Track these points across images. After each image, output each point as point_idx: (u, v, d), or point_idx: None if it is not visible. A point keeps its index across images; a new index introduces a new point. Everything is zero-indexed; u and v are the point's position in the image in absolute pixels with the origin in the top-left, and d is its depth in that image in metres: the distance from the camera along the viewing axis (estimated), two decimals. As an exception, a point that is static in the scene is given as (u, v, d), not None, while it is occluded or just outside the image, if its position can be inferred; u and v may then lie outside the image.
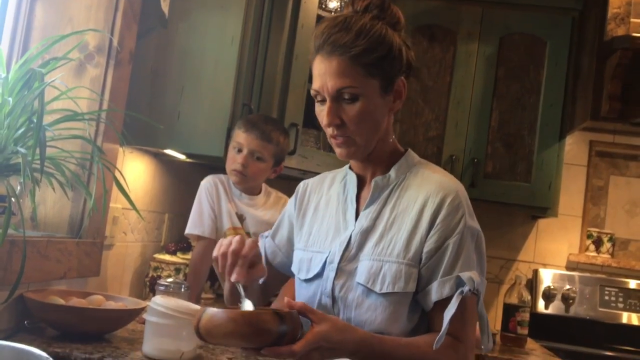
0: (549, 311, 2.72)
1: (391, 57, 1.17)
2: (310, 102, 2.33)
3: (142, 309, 1.57)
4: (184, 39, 1.99)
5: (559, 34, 2.59)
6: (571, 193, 2.86)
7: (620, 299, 2.70)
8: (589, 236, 2.83)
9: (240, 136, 1.89)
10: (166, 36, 1.99)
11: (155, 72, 1.98)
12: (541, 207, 2.59)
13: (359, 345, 1.07)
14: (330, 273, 1.22)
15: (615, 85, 2.31)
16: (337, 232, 1.26)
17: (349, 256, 1.21)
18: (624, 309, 2.69)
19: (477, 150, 2.59)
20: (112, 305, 1.58)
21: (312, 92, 1.20)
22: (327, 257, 1.24)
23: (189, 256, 2.34)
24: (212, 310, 1.00)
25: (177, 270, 2.21)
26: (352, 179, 1.28)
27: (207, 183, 2.00)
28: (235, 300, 1.20)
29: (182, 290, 1.67)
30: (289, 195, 2.09)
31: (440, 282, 1.14)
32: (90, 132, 1.68)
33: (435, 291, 1.14)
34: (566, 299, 2.71)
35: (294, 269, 1.33)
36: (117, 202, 1.97)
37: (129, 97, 1.89)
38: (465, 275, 1.13)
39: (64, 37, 1.49)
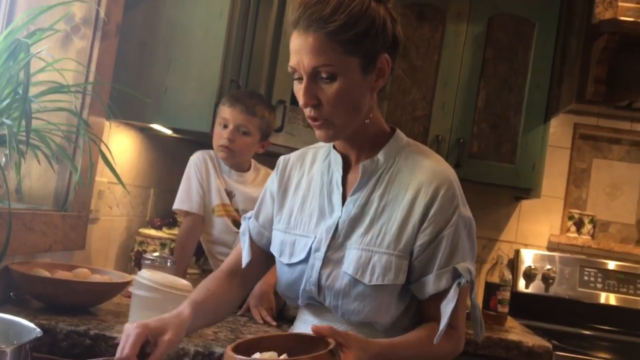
0: (529, 290, 2.77)
1: (373, 33, 1.10)
2: (298, 79, 2.33)
3: (128, 283, 1.58)
4: (171, 12, 1.96)
5: (547, 15, 2.60)
6: (554, 175, 2.90)
7: (599, 280, 2.76)
8: (571, 218, 2.87)
9: (225, 111, 1.89)
10: (154, 9, 1.97)
11: (142, 46, 1.96)
12: (524, 188, 2.62)
13: (378, 357, 1.06)
14: (316, 262, 1.19)
15: (601, 68, 2.33)
16: (321, 216, 1.22)
17: (336, 244, 1.18)
18: (603, 290, 2.74)
19: (463, 131, 2.61)
20: (97, 278, 1.59)
21: (289, 69, 1.14)
22: (312, 243, 1.20)
23: (174, 231, 2.34)
24: None
25: (163, 245, 2.21)
26: (337, 159, 1.23)
27: (196, 159, 2.00)
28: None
29: (168, 264, 1.68)
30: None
31: (437, 274, 1.13)
32: (76, 104, 1.66)
33: (433, 284, 1.13)
34: (546, 279, 2.75)
35: (274, 250, 1.29)
36: (102, 176, 1.96)
37: (116, 70, 1.87)
38: (461, 267, 1.13)
39: (50, 7, 1.47)
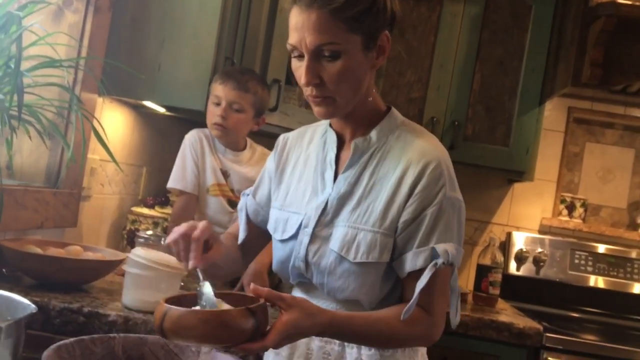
0: (520, 273, 2.78)
1: (375, 10, 1.09)
2: (293, 58, 2.31)
3: (121, 261, 1.57)
4: (166, -12, 1.93)
5: (544, -2, 2.59)
6: (547, 158, 2.90)
7: (590, 263, 2.78)
8: (563, 201, 2.88)
9: (217, 89, 1.87)
10: (147, -16, 1.93)
11: (135, 21, 1.93)
12: (518, 171, 2.63)
13: (327, 327, 1.05)
14: (304, 238, 1.19)
15: (597, 51, 2.32)
16: (314, 193, 1.22)
17: (325, 221, 1.18)
18: (593, 273, 2.76)
19: (458, 113, 2.60)
20: (90, 256, 1.58)
21: (289, 47, 1.11)
22: (302, 220, 1.20)
23: (167, 210, 2.33)
24: (177, 311, 0.92)
25: (155, 224, 2.20)
26: (332, 138, 1.23)
27: (191, 137, 1.97)
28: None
29: (162, 242, 1.67)
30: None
31: (415, 252, 1.12)
32: (69, 80, 1.64)
33: (410, 262, 1.12)
34: (537, 262, 2.77)
35: (270, 227, 1.29)
36: (94, 153, 1.94)
37: (108, 46, 1.84)
38: (440, 248, 1.11)
39: (42, -21, 1.44)
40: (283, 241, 1.24)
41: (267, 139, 2.55)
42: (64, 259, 1.48)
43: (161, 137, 2.50)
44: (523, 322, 2.20)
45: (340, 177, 1.19)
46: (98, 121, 1.72)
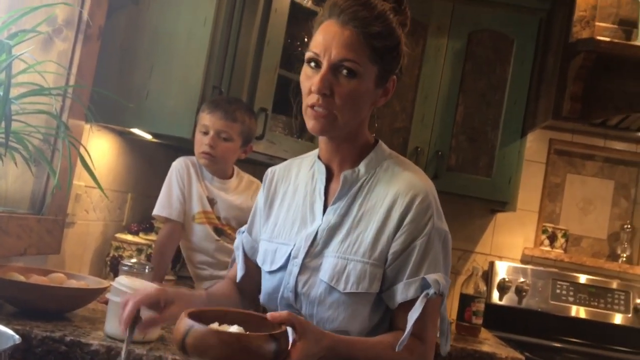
0: (503, 302, 2.80)
1: (396, 52, 1.17)
2: (280, 88, 2.34)
3: (105, 289, 1.56)
4: (155, 17, 1.96)
5: (526, 32, 2.65)
6: (529, 189, 2.94)
7: (571, 293, 2.80)
8: (544, 231, 2.92)
9: (205, 118, 1.88)
10: (137, 13, 1.96)
11: (124, 50, 1.95)
12: (500, 202, 2.66)
13: (329, 350, 1.06)
14: (294, 268, 1.20)
15: (577, 86, 2.38)
16: (303, 224, 1.23)
17: (314, 252, 1.19)
18: (574, 303, 2.79)
19: (441, 143, 2.64)
20: (74, 284, 1.56)
21: (309, 55, 1.15)
22: (291, 250, 1.21)
23: (151, 237, 2.32)
24: (202, 329, 0.93)
25: (139, 251, 2.19)
26: (321, 169, 1.25)
27: (178, 165, 1.98)
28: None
29: (146, 271, 1.66)
30: (259, 179, 2.10)
31: (406, 283, 1.14)
32: (57, 107, 1.64)
33: (401, 292, 1.14)
34: (520, 291, 2.79)
35: (259, 260, 1.30)
36: (80, 180, 1.94)
37: (97, 73, 1.85)
38: (430, 278, 1.13)
39: (33, 9, 1.45)
40: (272, 272, 1.24)
41: (254, 167, 2.57)
42: (46, 287, 1.47)
43: (147, 164, 2.50)
44: (505, 352, 2.21)
45: (329, 208, 1.21)
46: (85, 148, 1.72)
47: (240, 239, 1.38)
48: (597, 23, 2.46)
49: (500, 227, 2.96)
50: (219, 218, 1.96)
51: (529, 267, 2.85)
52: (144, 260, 1.83)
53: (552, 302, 2.79)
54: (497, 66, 2.66)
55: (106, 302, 1.46)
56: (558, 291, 2.80)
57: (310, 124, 1.16)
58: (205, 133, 1.89)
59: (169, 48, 1.95)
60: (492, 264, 2.87)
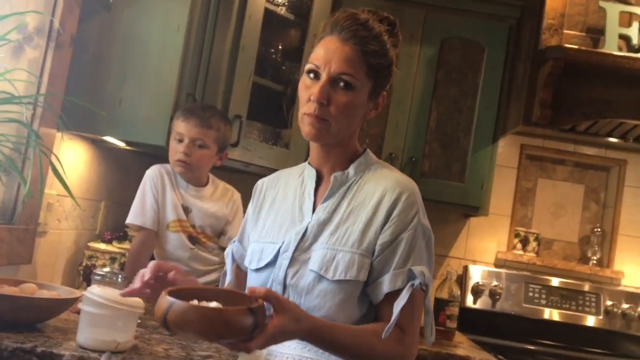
0: (477, 306, 2.83)
1: (388, 71, 1.27)
2: (255, 95, 2.34)
3: (77, 299, 1.55)
4: (128, 25, 1.95)
5: (496, 40, 2.69)
6: (501, 194, 2.99)
7: (543, 296, 2.85)
8: (517, 235, 2.96)
9: (180, 126, 1.88)
10: (110, 21, 1.95)
11: (97, 57, 1.94)
12: (473, 206, 2.69)
13: (310, 333, 1.10)
14: (284, 261, 1.24)
15: (547, 92, 2.42)
16: (292, 224, 1.28)
17: (304, 247, 1.24)
18: (546, 305, 2.83)
19: (415, 150, 2.67)
20: (45, 294, 1.54)
21: (309, 66, 1.23)
22: (280, 247, 1.26)
23: (125, 245, 2.30)
24: (182, 305, 0.96)
25: (113, 260, 2.17)
26: (311, 173, 1.32)
27: (152, 173, 1.96)
28: None
29: (119, 280, 1.65)
30: (235, 186, 2.10)
31: (394, 274, 1.18)
32: (27, 115, 1.63)
33: (388, 282, 1.18)
34: (493, 295, 2.83)
35: (246, 262, 1.34)
36: (52, 188, 1.92)
37: (69, 81, 1.84)
38: (416, 269, 1.18)
39: (3, 17, 1.44)
40: (259, 270, 1.29)
41: (229, 174, 2.57)
42: (17, 297, 1.45)
43: (120, 172, 2.48)
44: (479, 355, 2.24)
45: (319, 207, 1.28)
46: (56, 156, 1.71)
47: (231, 247, 1.43)
48: (565, 31, 2.51)
49: (474, 231, 3.00)
50: (193, 226, 1.95)
51: (502, 270, 2.89)
52: (118, 269, 1.81)
53: (525, 305, 2.83)
54: (469, 73, 2.70)
55: (78, 312, 1.44)
56: (531, 294, 2.84)
57: (305, 130, 1.23)
58: (180, 141, 1.89)
59: (142, 55, 1.95)
60: (466, 268, 2.90)
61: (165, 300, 0.98)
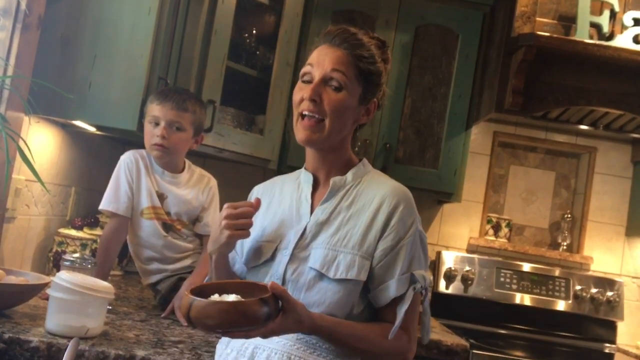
0: (450, 291, 2.87)
1: (379, 80, 1.35)
2: (228, 80, 2.32)
3: (46, 285, 1.53)
4: (97, 6, 1.91)
5: (470, 27, 2.71)
6: (474, 180, 3.02)
7: (515, 281, 2.89)
8: (489, 221, 3.00)
9: (155, 109, 1.85)
10: (79, 2, 1.91)
11: (66, 39, 1.90)
12: (446, 193, 2.72)
13: (310, 333, 1.18)
14: (283, 258, 1.28)
15: (518, 80, 2.45)
16: (289, 225, 1.33)
17: (303, 245, 1.29)
18: (518, 290, 2.88)
19: (389, 136, 2.68)
20: (12, 280, 1.52)
21: (303, 70, 1.32)
22: (278, 245, 1.31)
23: (96, 232, 2.28)
24: (201, 302, 1.06)
25: (84, 246, 2.15)
26: (308, 178, 1.37)
27: (126, 158, 1.92)
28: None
29: (89, 266, 1.64)
30: (210, 172, 2.07)
31: (399, 279, 1.25)
32: (-7, 98, 1.59)
33: (395, 288, 1.25)
34: (465, 280, 2.86)
35: (243, 260, 1.37)
36: (20, 174, 1.88)
37: (37, 64, 1.80)
38: (417, 274, 1.26)
39: (-34, -5, 1.40)
40: (256, 267, 1.32)
41: (203, 160, 2.55)
42: (-16, 284, 1.42)
43: (91, 157, 2.45)
44: (451, 339, 2.27)
45: (317, 208, 1.33)
46: (24, 140, 1.67)
47: None
48: (537, 18, 2.53)
49: (447, 217, 3.03)
50: (168, 214, 1.92)
51: (474, 256, 2.92)
52: (88, 256, 1.79)
53: (497, 290, 2.87)
54: (443, 60, 2.71)
55: (47, 298, 1.43)
56: (502, 279, 2.89)
57: (300, 134, 1.30)
58: (157, 124, 1.85)
59: (112, 38, 1.91)
60: (439, 254, 2.93)
61: (187, 299, 1.08)
